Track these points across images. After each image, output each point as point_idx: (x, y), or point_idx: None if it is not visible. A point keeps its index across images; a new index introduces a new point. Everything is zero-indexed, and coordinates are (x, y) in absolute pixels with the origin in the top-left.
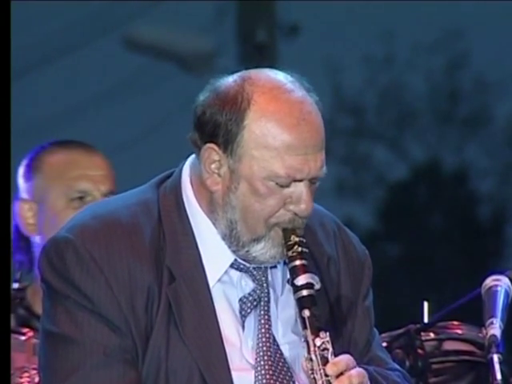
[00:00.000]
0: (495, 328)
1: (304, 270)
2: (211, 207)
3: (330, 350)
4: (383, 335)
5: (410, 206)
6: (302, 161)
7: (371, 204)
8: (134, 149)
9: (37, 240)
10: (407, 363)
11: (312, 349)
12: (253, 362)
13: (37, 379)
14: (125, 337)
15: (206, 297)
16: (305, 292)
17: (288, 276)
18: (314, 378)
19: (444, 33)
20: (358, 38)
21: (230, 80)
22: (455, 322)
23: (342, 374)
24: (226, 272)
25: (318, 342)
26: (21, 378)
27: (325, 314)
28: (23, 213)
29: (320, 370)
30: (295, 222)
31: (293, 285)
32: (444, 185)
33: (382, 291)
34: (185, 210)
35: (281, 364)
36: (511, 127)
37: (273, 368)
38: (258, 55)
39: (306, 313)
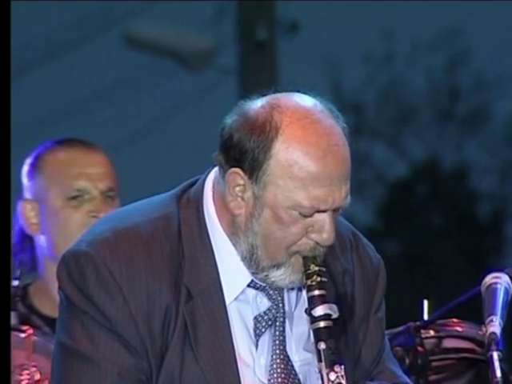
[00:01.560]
0: (495, 325)
1: (322, 300)
2: (232, 229)
3: None
4: None
5: (410, 203)
6: (326, 192)
7: (371, 202)
8: (134, 146)
9: (40, 239)
10: (407, 361)
11: (326, 382)
12: (265, 380)
13: (37, 377)
14: (140, 357)
15: (222, 316)
16: (322, 324)
17: (303, 294)
18: None
19: (444, 31)
20: (358, 35)
21: (258, 105)
22: (455, 320)
23: None
24: (242, 291)
25: (333, 376)
26: (20, 375)
27: (337, 326)
28: (26, 212)
29: None
30: (316, 250)
31: (310, 315)
32: (444, 182)
33: None
34: (205, 226)
35: (296, 381)
36: (511, 125)
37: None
38: (258, 53)
39: (322, 345)
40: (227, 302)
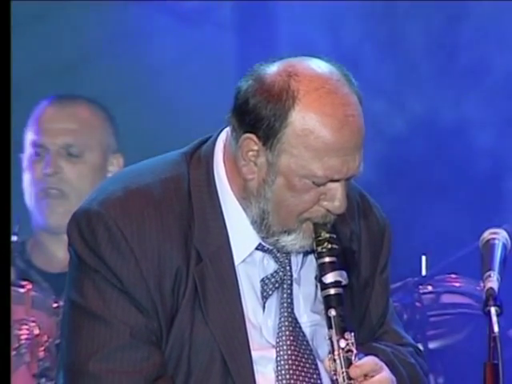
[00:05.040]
0: (493, 281)
1: (332, 267)
2: (244, 194)
3: (355, 352)
4: None
5: (409, 159)
6: (341, 162)
7: (369, 157)
8: (133, 100)
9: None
10: (405, 316)
11: (336, 350)
12: (273, 342)
13: (36, 331)
14: (151, 318)
15: (231, 278)
16: (332, 291)
17: (309, 256)
18: (337, 379)
19: None
20: None
21: (275, 71)
22: (453, 276)
23: (366, 375)
24: (250, 253)
25: (343, 343)
26: (20, 330)
27: (344, 288)
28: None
29: (343, 372)
30: (327, 217)
31: (320, 281)
32: (443, 138)
33: None
34: (215, 187)
35: (304, 346)
36: (511, 79)
37: (297, 348)
38: (256, 8)
39: (333, 312)
40: (236, 264)
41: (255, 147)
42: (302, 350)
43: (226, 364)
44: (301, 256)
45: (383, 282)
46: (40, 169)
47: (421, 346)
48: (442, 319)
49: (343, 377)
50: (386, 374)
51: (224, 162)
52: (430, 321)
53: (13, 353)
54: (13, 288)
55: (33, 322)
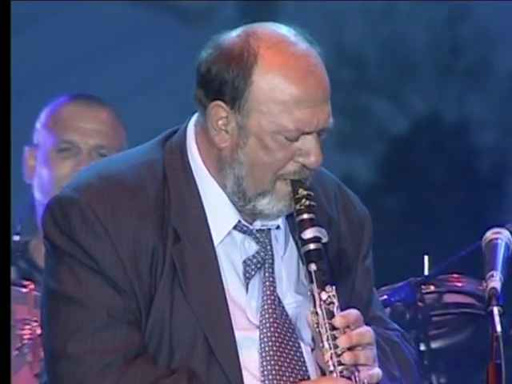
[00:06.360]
0: (495, 281)
1: (311, 223)
2: (219, 165)
3: (336, 304)
4: (383, 288)
5: (411, 158)
6: (310, 113)
7: (371, 157)
8: (134, 101)
9: (34, 185)
10: (407, 316)
11: (318, 303)
12: (257, 322)
13: (38, 331)
14: (128, 298)
15: (211, 257)
16: (312, 246)
17: (291, 238)
18: (319, 331)
19: None
20: None
21: (233, 35)
22: (455, 275)
23: (348, 327)
24: (229, 233)
25: (324, 295)
26: (22, 330)
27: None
28: (27, 157)
29: (325, 324)
30: (302, 173)
31: (300, 238)
32: (445, 137)
33: (383, 244)
34: (190, 170)
35: (286, 325)
36: None
37: (279, 329)
38: (259, 7)
39: (313, 267)
40: (215, 244)
41: (224, 114)
42: (284, 331)
43: (208, 342)
44: (283, 239)
45: (366, 270)
46: (68, 166)
47: (423, 346)
48: (445, 319)
49: (326, 328)
50: (368, 327)
51: (197, 143)
52: (432, 320)
53: (15, 352)
54: (15, 288)
55: (35, 321)
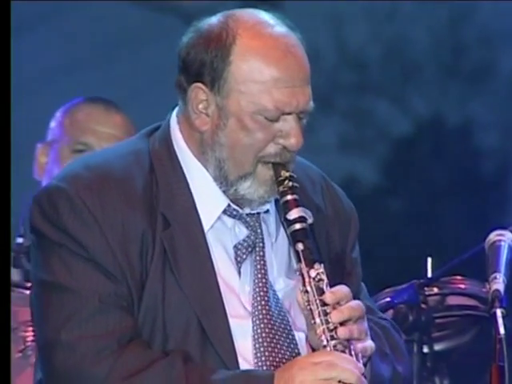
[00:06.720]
0: (499, 283)
1: (296, 204)
2: (201, 149)
3: (325, 281)
4: (387, 290)
5: (414, 160)
6: (290, 93)
7: (374, 159)
8: (138, 101)
9: (43, 182)
10: (410, 318)
11: (307, 280)
12: (250, 307)
13: None
14: (120, 284)
15: (201, 242)
16: (298, 226)
17: (278, 226)
18: (311, 309)
19: None
20: None
21: (212, 19)
22: (458, 277)
23: (338, 304)
24: (219, 218)
25: (313, 273)
26: (25, 332)
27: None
28: (38, 155)
29: (316, 300)
30: (283, 155)
31: (285, 219)
32: (447, 139)
33: (386, 246)
34: (177, 158)
35: (277, 310)
36: None
37: (269, 314)
38: (262, 8)
39: (300, 246)
40: (205, 229)
41: (204, 96)
42: (275, 315)
43: (202, 325)
44: (274, 226)
45: (354, 262)
46: None
47: (426, 348)
48: (448, 321)
49: (317, 304)
50: (358, 301)
51: (181, 131)
52: (435, 322)
53: (18, 355)
54: (19, 290)
55: None
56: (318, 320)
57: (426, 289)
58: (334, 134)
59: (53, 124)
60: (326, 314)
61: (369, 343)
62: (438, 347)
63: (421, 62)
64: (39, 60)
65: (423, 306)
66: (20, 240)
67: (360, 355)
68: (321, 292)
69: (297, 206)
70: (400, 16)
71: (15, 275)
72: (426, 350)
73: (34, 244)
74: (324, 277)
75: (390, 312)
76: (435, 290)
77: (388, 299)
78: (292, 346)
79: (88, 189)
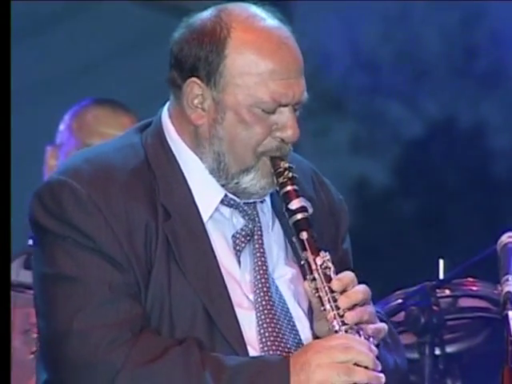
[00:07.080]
0: (511, 285)
1: (296, 194)
2: (196, 141)
3: (332, 268)
4: (398, 292)
5: (426, 162)
6: (285, 85)
7: (386, 161)
8: (145, 106)
9: None
10: (422, 320)
11: (314, 267)
12: (252, 296)
13: None
14: (127, 273)
15: (201, 233)
16: (299, 215)
17: (274, 215)
18: (320, 296)
19: None
20: None
21: (204, 14)
22: (470, 279)
23: (345, 290)
24: (217, 209)
25: (319, 260)
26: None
27: None
28: (48, 157)
29: (324, 287)
30: (282, 149)
31: (287, 209)
32: (459, 141)
33: (398, 248)
34: (171, 151)
35: (277, 298)
36: None
37: (271, 302)
38: (272, 9)
39: (304, 235)
40: (204, 220)
41: (199, 91)
42: (275, 304)
43: (208, 313)
44: (270, 216)
45: (345, 252)
46: None
47: (438, 350)
48: (460, 323)
49: (325, 291)
50: (363, 285)
51: (173, 124)
52: (447, 324)
53: (30, 356)
54: (30, 291)
55: None
56: (328, 306)
57: (437, 291)
58: (345, 136)
59: (61, 127)
60: (335, 300)
61: (381, 325)
62: (449, 349)
63: (433, 63)
64: (53, 62)
65: (435, 308)
66: (31, 242)
67: (371, 339)
68: (328, 279)
69: (297, 197)
70: (412, 18)
71: (28, 277)
72: (437, 351)
73: (36, 240)
74: (330, 264)
75: (402, 314)
76: (447, 292)
77: (399, 301)
78: (294, 332)
79: (90, 181)
